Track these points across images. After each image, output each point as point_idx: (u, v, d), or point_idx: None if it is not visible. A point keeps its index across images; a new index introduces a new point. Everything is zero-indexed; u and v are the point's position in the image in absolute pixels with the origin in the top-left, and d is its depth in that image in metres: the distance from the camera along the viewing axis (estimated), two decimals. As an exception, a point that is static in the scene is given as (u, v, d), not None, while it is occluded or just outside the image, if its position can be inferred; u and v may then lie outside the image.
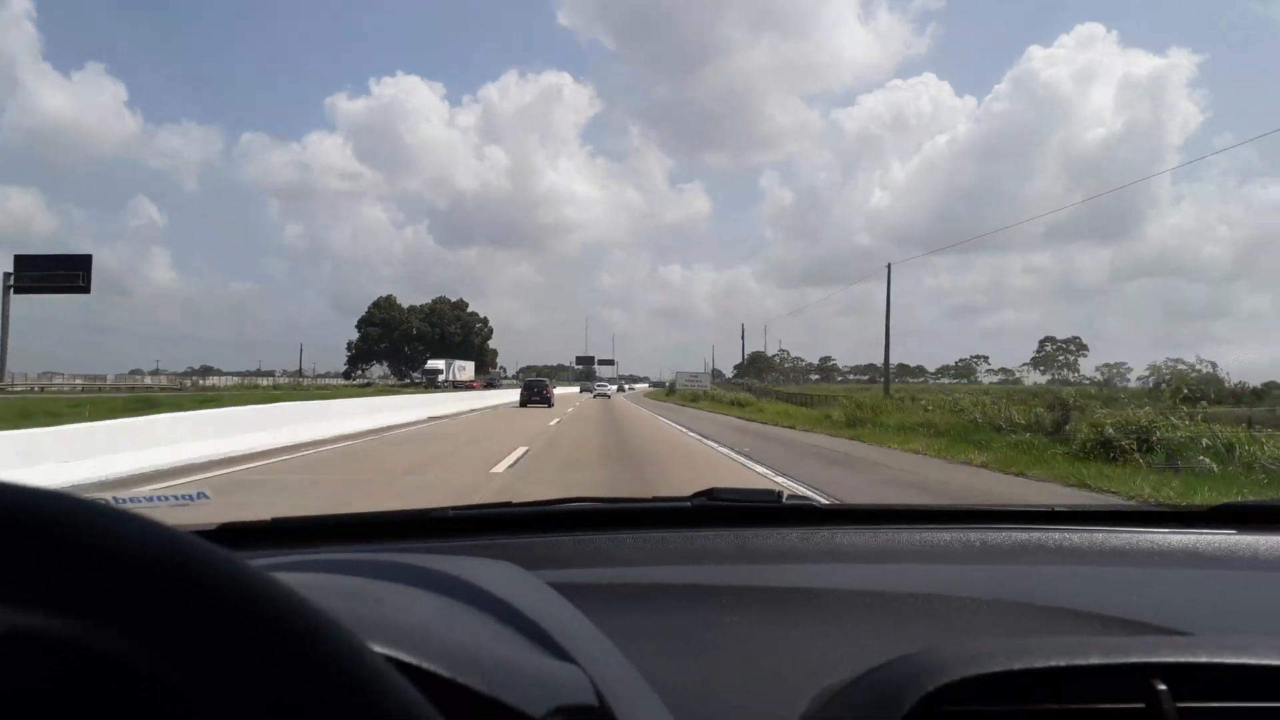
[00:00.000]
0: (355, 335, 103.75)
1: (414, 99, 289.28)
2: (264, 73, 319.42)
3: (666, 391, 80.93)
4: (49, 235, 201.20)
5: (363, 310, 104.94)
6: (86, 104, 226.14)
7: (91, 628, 0.33)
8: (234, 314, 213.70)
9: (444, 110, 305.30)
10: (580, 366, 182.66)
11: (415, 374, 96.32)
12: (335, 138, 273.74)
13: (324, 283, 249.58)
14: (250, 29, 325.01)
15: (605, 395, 63.96)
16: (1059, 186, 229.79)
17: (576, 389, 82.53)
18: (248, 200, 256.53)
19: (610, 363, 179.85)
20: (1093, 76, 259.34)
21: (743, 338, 78.20)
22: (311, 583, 0.45)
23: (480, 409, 33.27)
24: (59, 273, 53.91)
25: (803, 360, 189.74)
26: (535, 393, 39.03)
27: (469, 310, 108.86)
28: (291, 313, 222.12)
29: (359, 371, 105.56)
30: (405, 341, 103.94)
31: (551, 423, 23.56)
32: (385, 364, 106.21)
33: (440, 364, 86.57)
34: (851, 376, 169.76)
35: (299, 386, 79.08)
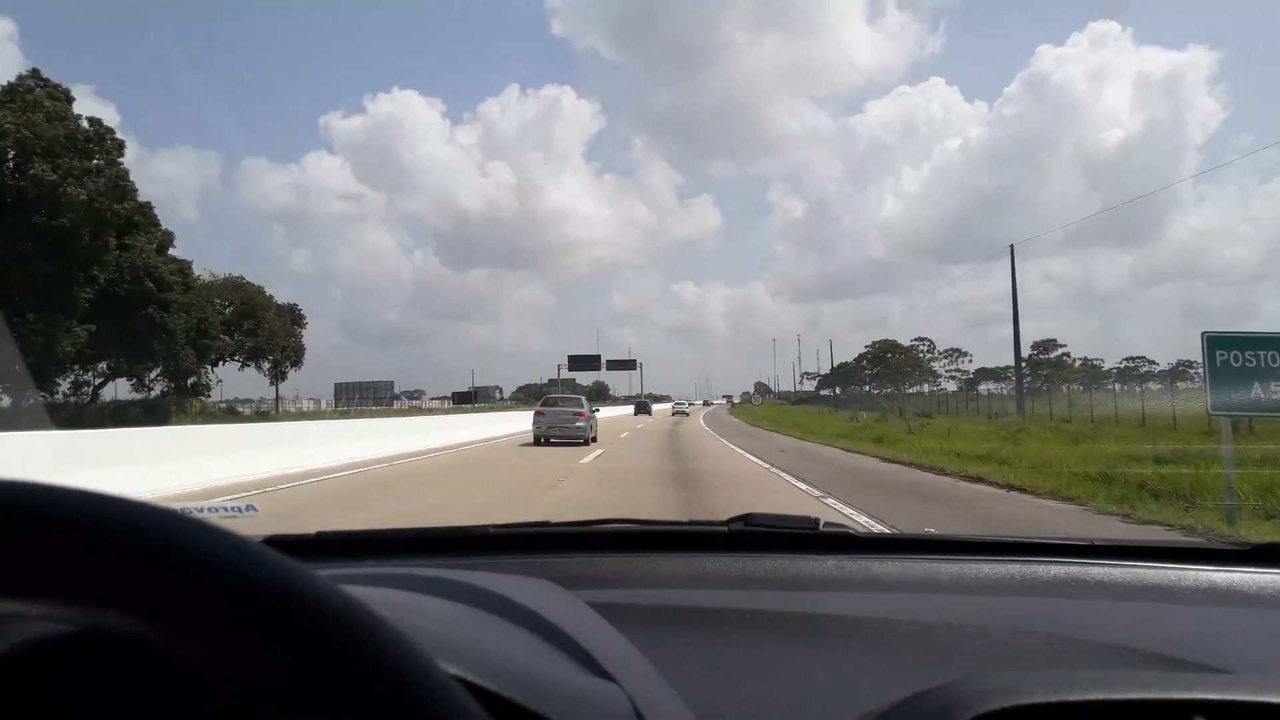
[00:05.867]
0: None
1: (413, 116, 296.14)
2: (259, 91, 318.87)
3: None
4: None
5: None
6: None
7: (168, 632, 0.34)
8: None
9: (445, 128, 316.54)
10: (572, 376, 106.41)
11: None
12: (335, 158, 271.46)
13: (333, 306, 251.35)
14: (241, 46, 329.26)
15: (684, 413, 60.42)
16: (1077, 189, 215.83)
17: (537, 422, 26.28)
18: (250, 226, 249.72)
19: (629, 365, 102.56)
20: (1108, 75, 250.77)
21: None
22: (356, 595, 0.46)
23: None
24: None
25: (963, 353, 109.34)
26: (642, 408, 63.95)
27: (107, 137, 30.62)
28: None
29: None
30: None
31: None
32: None
33: None
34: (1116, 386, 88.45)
35: None
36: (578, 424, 20.00)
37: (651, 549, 1.32)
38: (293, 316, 44.83)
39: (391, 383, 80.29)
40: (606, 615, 0.80)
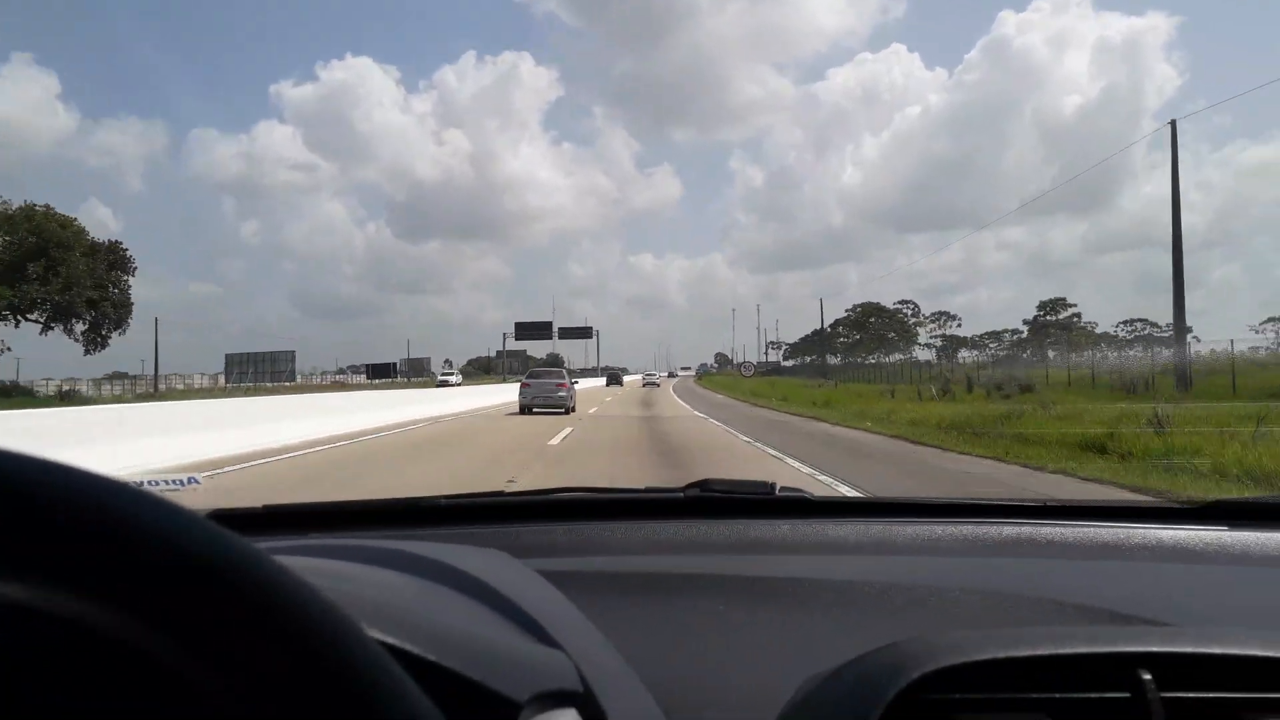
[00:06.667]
0: None
1: (367, 83, 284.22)
2: (207, 60, 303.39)
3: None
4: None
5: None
6: (16, 98, 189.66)
7: (99, 608, 0.33)
8: (196, 319, 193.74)
9: (400, 96, 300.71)
10: (522, 348, 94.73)
11: None
12: (286, 127, 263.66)
13: (285, 279, 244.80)
14: (189, 12, 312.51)
15: (654, 384, 60.48)
16: (1035, 156, 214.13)
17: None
18: (199, 197, 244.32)
19: (585, 333, 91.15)
20: (1068, 41, 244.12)
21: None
22: (295, 565, 0.45)
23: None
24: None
25: (952, 317, 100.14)
26: (614, 379, 65.96)
27: None
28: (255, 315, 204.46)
29: None
30: None
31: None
32: None
33: None
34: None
35: None
36: (560, 394, 22.10)
37: (606, 517, 1.32)
38: (112, 259, 32.15)
39: (293, 353, 66.89)
40: (557, 583, 0.80)
